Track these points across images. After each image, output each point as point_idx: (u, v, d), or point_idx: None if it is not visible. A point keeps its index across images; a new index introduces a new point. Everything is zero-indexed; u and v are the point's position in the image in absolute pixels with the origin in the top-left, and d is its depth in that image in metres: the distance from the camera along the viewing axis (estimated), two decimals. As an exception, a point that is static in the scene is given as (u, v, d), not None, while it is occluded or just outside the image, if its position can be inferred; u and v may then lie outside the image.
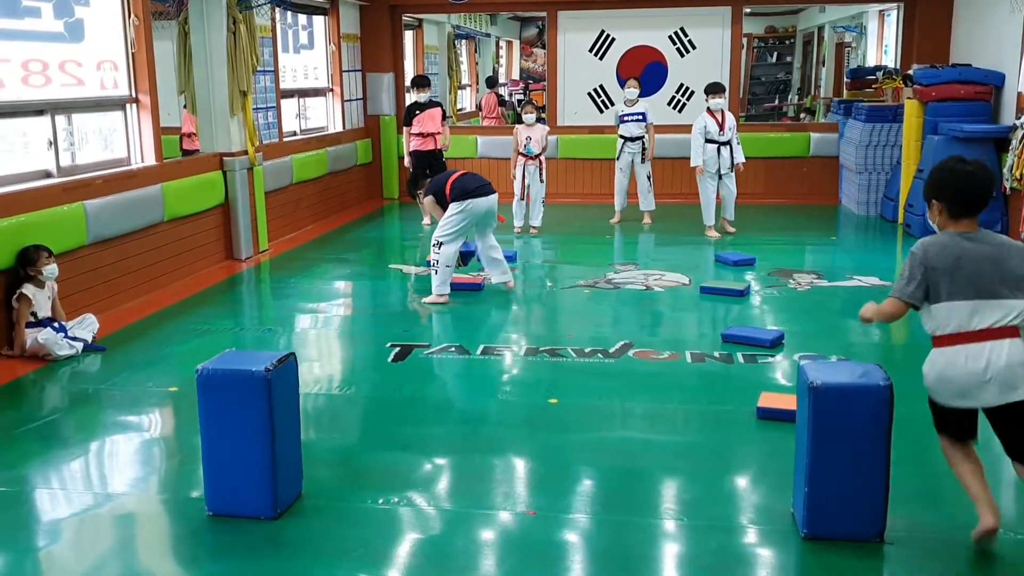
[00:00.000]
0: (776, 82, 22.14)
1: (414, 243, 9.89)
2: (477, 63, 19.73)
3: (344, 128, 11.73)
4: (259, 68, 8.95)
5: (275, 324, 6.65)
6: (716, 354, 5.59)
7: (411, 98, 10.55)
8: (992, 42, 9.69)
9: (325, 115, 11.56)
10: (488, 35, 19.71)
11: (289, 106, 10.50)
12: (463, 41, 18.12)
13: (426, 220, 10.44)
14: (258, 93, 9.28)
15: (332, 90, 11.61)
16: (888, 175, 10.66)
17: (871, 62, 14.98)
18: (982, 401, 3.18)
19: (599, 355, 5.61)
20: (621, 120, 10.16)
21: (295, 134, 10.64)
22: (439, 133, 10.34)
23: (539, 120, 10.00)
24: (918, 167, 9.57)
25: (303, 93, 10.89)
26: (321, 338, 6.28)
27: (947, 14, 11.11)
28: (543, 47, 24.32)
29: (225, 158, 8.51)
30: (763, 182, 11.84)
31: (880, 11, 14.87)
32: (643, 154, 10.10)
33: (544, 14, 12.34)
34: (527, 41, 22.57)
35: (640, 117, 10.10)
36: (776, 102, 20.99)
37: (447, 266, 6.90)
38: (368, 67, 12.39)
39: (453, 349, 5.76)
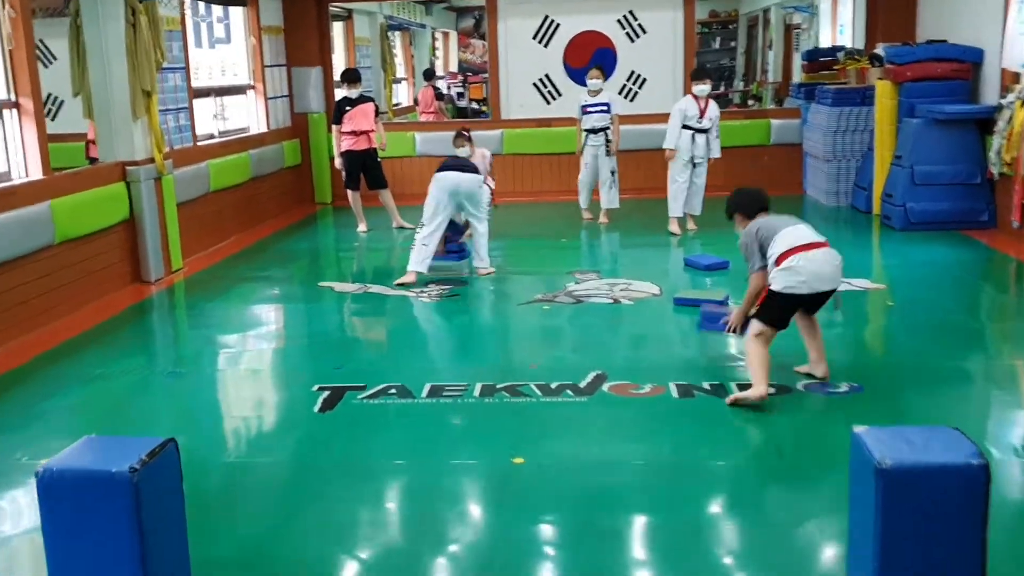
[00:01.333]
0: (720, 69, 21.49)
1: (349, 255, 8.92)
2: (413, 56, 18.74)
3: (268, 128, 10.68)
4: (165, 65, 7.90)
5: (183, 363, 5.63)
6: (706, 385, 4.74)
7: (340, 94, 9.56)
8: (967, 16, 9.02)
9: (247, 114, 10.50)
10: (423, 26, 18.72)
11: (204, 106, 9.43)
12: (397, 33, 17.12)
13: (362, 227, 9.46)
14: (166, 93, 8.22)
15: (254, 87, 10.56)
16: (859, 162, 9.96)
17: (825, 43, 14.35)
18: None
19: (568, 391, 4.73)
20: (583, 111, 9.35)
21: (212, 137, 9.58)
22: (373, 131, 9.38)
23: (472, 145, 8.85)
24: (895, 153, 8.87)
25: (221, 91, 9.83)
26: (235, 381, 5.29)
27: (912, -11, 10.44)
28: (481, 38, 23.41)
29: (128, 168, 7.44)
30: (722, 173, 10.97)
31: (833, -10, 14.23)
32: (607, 147, 9.32)
33: (482, 1, 11.39)
34: (464, 32, 21.61)
35: (604, 108, 9.30)
36: (722, 89, 20.36)
37: (423, 244, 7.07)
38: (293, 61, 11.34)
39: (394, 391, 4.83)
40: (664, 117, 11.00)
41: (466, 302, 6.71)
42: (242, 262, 8.36)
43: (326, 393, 4.81)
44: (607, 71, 11.27)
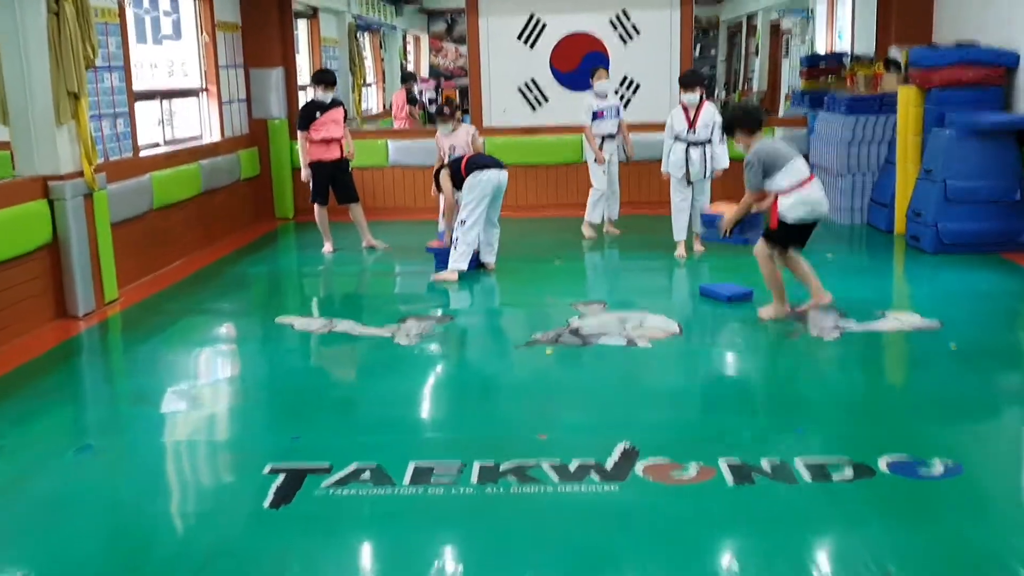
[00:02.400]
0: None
1: (313, 281, 7.84)
2: (383, 59, 17.68)
3: (223, 136, 9.58)
4: (99, 63, 6.81)
5: (101, 432, 4.51)
6: (767, 465, 3.75)
7: (310, 96, 8.46)
8: (996, 16, 8.17)
9: (199, 120, 9.40)
10: (394, 28, 17.68)
11: (148, 111, 8.33)
12: (366, 34, 16.06)
13: (328, 247, 8.40)
14: (100, 95, 7.12)
15: (206, 90, 9.46)
16: (876, 176, 9.07)
17: (821, 48, 13.54)
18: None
19: (592, 475, 3.71)
20: (595, 116, 8.48)
21: (157, 146, 8.47)
22: (343, 139, 8.33)
23: (461, 121, 8.15)
24: (923, 167, 7.97)
25: (168, 94, 8.72)
26: (163, 461, 4.18)
27: (929, -11, 9.60)
28: (454, 42, 22.42)
29: (51, 183, 6.33)
30: (721, 186, 10.10)
31: (830, -8, 13.43)
32: (624, 153, 8.73)
33: (455, 4, 10.39)
34: (436, 36, 20.62)
35: (615, 111, 8.57)
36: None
37: (467, 244, 7.10)
38: (252, 62, 10.25)
39: (368, 474, 3.78)
40: (660, 126, 10.14)
41: (453, 344, 5.67)
42: (189, 291, 7.25)
43: (280, 478, 3.75)
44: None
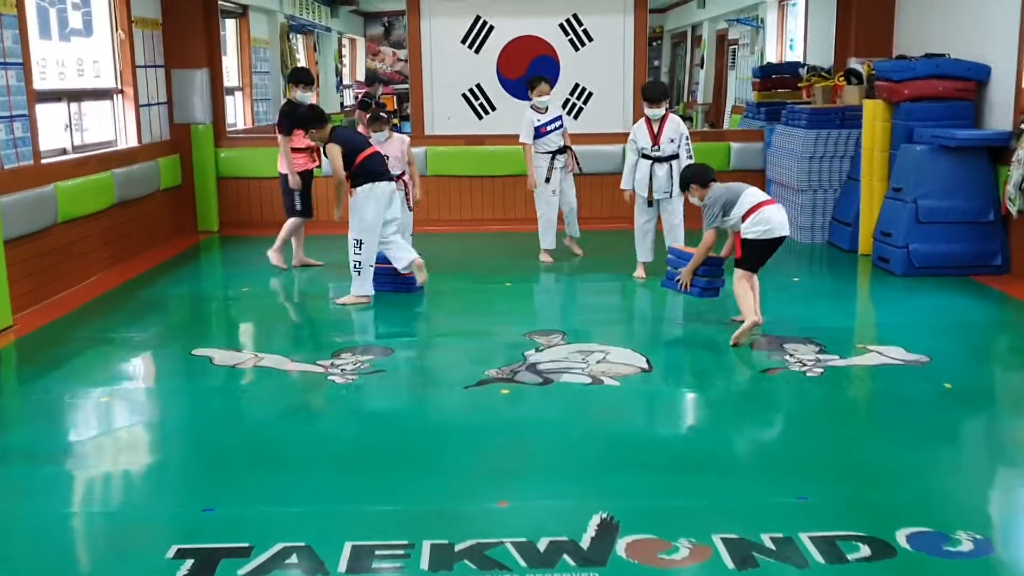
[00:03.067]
0: (643, 89, 20.32)
1: (238, 304, 7.09)
2: (317, 62, 16.88)
3: (140, 142, 8.76)
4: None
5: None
6: (769, 542, 3.18)
7: (294, 96, 7.65)
8: (963, 28, 7.83)
9: (113, 125, 8.57)
10: (329, 30, 16.90)
11: (52, 113, 7.49)
12: (300, 35, 15.27)
13: (275, 259, 7.64)
14: (-6, 95, 6.31)
15: (121, 91, 8.63)
16: (837, 193, 8.67)
17: (771, 59, 13.20)
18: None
19: (566, 558, 3.11)
20: (539, 132, 7.79)
21: (64, 152, 7.64)
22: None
23: (394, 129, 7.53)
24: (892, 185, 7.57)
25: (76, 96, 7.89)
26: (41, 541, 3.43)
27: (889, -2, 9.26)
28: (392, 46, 21.70)
29: (-69, 194, 5.52)
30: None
31: (780, 1, 13.12)
32: (576, 166, 7.97)
33: (393, 6, 9.72)
34: (373, 40, 19.90)
35: (559, 123, 7.87)
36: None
37: (370, 266, 6.56)
38: (174, 62, 9.44)
39: (295, 558, 3.12)
40: (612, 137, 9.66)
41: (394, 383, 5.02)
42: (96, 316, 6.46)
43: (188, 565, 3.07)
44: (551, 84, 9.78)
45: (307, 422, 4.51)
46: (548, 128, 7.78)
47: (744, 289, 5.53)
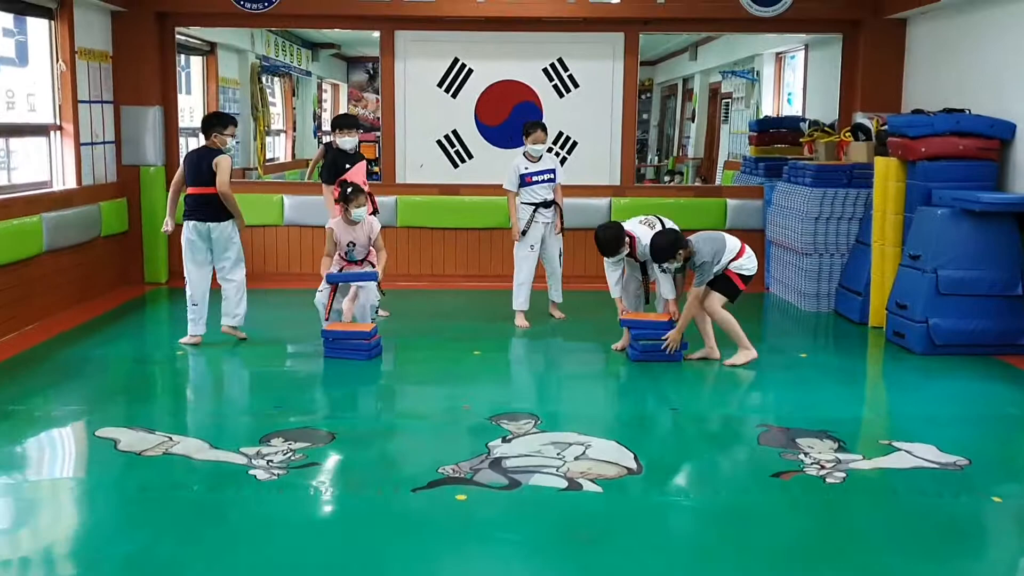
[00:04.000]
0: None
1: (167, 368, 6.21)
2: (295, 108, 16.18)
3: (80, 183, 7.94)
4: None
5: None
6: None
7: (335, 141, 7.03)
8: (982, 82, 7.17)
9: (49, 164, 7.76)
10: (308, 73, 16.25)
11: (-28, 149, 6.71)
12: (275, 78, 14.58)
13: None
14: None
15: (60, 127, 7.84)
16: (845, 258, 7.91)
17: (768, 113, 12.57)
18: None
19: None
20: (524, 181, 7.09)
21: (-15, 193, 6.83)
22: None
23: (373, 213, 6.60)
24: (909, 252, 6.80)
25: (5, 131, 7.09)
26: None
27: (898, 49, 8.62)
28: (376, 92, 21.09)
29: None
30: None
31: (778, 54, 12.52)
32: (558, 224, 7.27)
33: (377, 50, 9.02)
34: (356, 86, 19.28)
35: (551, 175, 7.17)
36: (635, 164, 18.58)
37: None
38: (124, 98, 8.68)
39: None
40: (598, 189, 8.96)
41: (327, 482, 4.14)
42: (3, 382, 5.58)
43: None
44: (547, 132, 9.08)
45: (213, 533, 3.63)
46: (535, 178, 7.10)
47: (729, 317, 5.99)
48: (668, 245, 5.81)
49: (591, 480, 4.09)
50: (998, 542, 3.65)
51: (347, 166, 6.89)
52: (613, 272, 6.24)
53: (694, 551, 3.55)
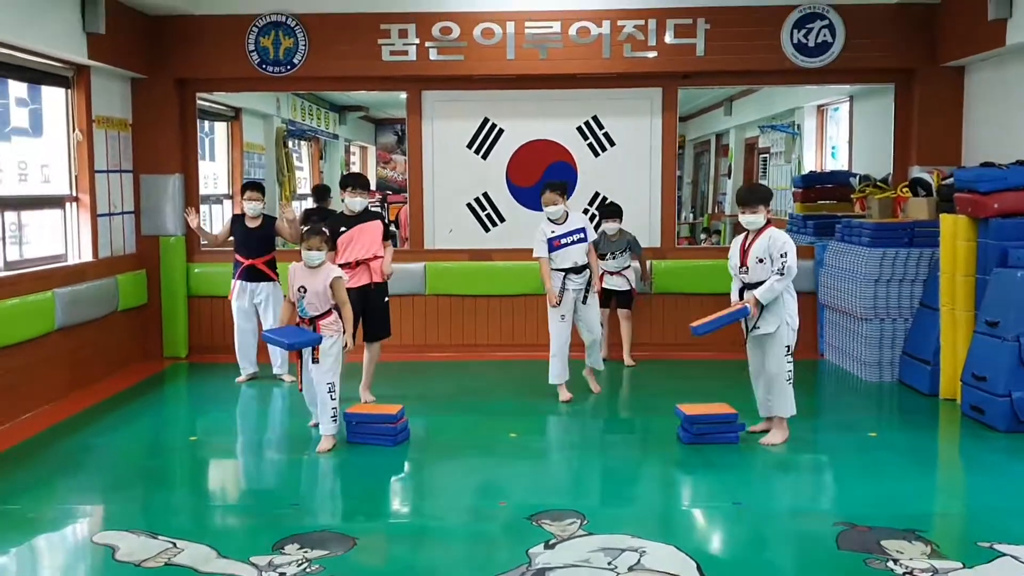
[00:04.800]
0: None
1: (181, 458, 5.73)
2: (322, 172, 15.96)
3: (96, 255, 7.60)
4: None
5: None
6: None
7: (342, 205, 6.60)
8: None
9: (64, 237, 7.43)
10: (336, 136, 16.04)
11: (-20, 224, 6.38)
12: (302, 142, 14.37)
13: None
14: None
15: (76, 199, 7.53)
16: (908, 323, 7.33)
17: (809, 167, 12.08)
18: None
19: None
20: (555, 245, 6.57)
21: (-5, 269, 6.49)
22: (376, 259, 6.44)
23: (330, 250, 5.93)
24: (985, 319, 6.21)
25: (13, 203, 6.76)
26: None
27: (956, 99, 8.12)
28: (404, 155, 20.91)
29: None
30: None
31: (820, 106, 12.07)
32: (587, 291, 6.64)
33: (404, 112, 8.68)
34: (384, 148, 19.09)
35: (581, 235, 6.62)
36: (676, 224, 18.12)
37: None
38: (144, 166, 8.38)
39: None
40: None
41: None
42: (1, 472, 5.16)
43: None
44: (566, 191, 8.63)
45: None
46: (563, 241, 6.57)
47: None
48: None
49: (650, 599, 3.53)
50: None
51: (343, 229, 6.40)
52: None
53: None
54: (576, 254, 6.60)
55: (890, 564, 3.82)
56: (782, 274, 5.38)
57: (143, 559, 3.97)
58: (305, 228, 5.91)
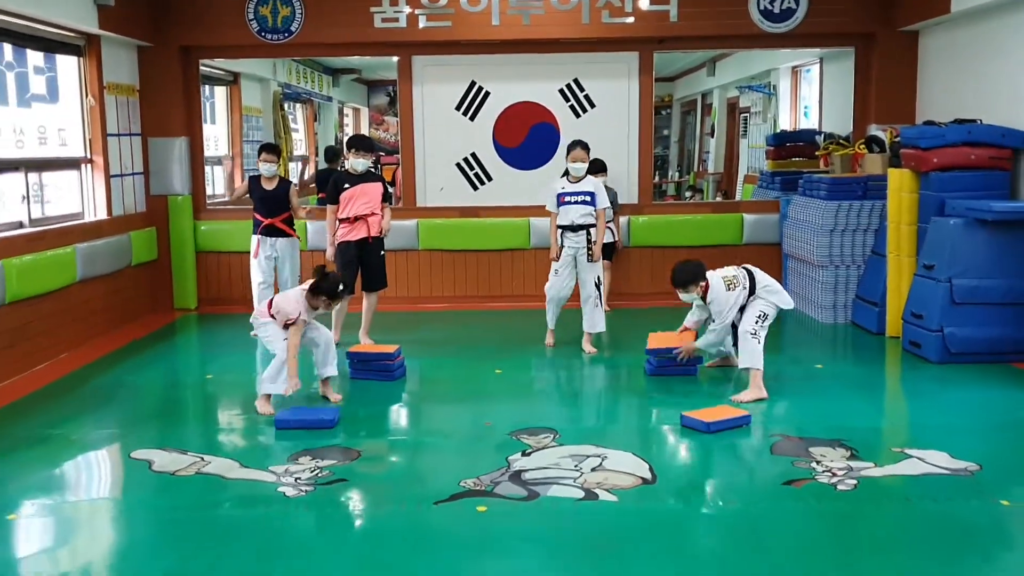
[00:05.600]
0: (653, 158, 19.84)
1: (201, 391, 6.39)
2: (317, 132, 16.48)
3: (110, 214, 8.19)
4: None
5: None
6: None
7: (347, 164, 7.24)
8: (996, 92, 7.24)
9: (81, 196, 8.02)
10: (329, 99, 16.54)
11: (8, 184, 6.95)
12: (297, 104, 14.88)
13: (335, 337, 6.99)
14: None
15: (90, 160, 8.10)
16: (861, 269, 7.99)
17: (785, 126, 12.66)
18: None
19: None
20: (560, 201, 6.99)
21: (21, 225, 7.07)
22: (374, 215, 7.08)
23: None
24: (924, 262, 6.88)
25: (35, 165, 7.34)
26: None
27: (911, 61, 8.71)
28: (396, 116, 21.34)
29: None
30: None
31: (794, 67, 12.61)
32: (590, 251, 6.97)
33: (395, 58, 9.24)
34: (377, 109, 19.55)
35: (588, 198, 6.97)
36: (656, 179, 18.71)
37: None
38: (151, 130, 8.94)
39: None
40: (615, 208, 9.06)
41: (352, 497, 4.29)
42: (39, 407, 5.81)
43: None
44: (548, 152, 9.23)
45: (243, 549, 3.78)
46: (568, 199, 6.95)
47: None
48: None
49: (607, 490, 4.21)
50: (1006, 545, 3.72)
51: (346, 186, 7.05)
52: (693, 315, 6.27)
53: (706, 558, 3.65)
54: (576, 213, 6.92)
55: (813, 465, 4.51)
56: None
57: (176, 469, 4.63)
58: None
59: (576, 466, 4.52)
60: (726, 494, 4.26)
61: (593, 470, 4.47)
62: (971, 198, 6.73)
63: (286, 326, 5.60)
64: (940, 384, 6.05)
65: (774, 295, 5.88)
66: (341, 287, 5.68)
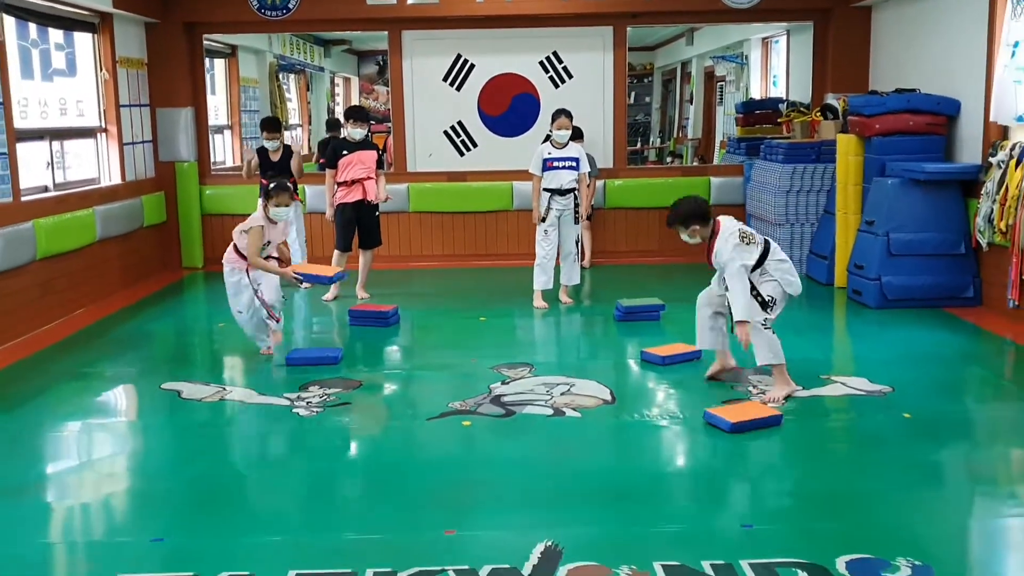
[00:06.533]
0: (635, 124, 20.52)
1: (215, 337, 7.12)
2: (309, 101, 17.08)
3: (124, 179, 8.86)
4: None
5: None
6: (708, 568, 3.20)
7: (345, 133, 7.96)
8: (937, 64, 7.94)
9: (97, 162, 8.68)
10: (321, 69, 17.12)
11: (34, 152, 7.60)
12: (291, 75, 15.48)
13: (329, 294, 7.69)
14: (-27, 133, 6.41)
15: (105, 130, 8.75)
16: (814, 227, 8.74)
17: (756, 95, 13.34)
18: None
19: (506, 586, 3.12)
20: (546, 166, 7.47)
21: (47, 189, 7.74)
22: (369, 179, 7.79)
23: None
24: (865, 218, 7.63)
25: (59, 134, 7.99)
26: None
27: (864, 34, 9.40)
28: (386, 85, 21.92)
29: (-94, 230, 5.59)
30: (657, 238, 9.75)
31: (764, 39, 13.27)
32: (576, 212, 7.50)
33: (386, 44, 9.87)
34: (367, 79, 20.11)
35: (573, 163, 7.46)
36: (638, 145, 19.41)
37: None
38: (159, 101, 9.59)
39: (237, 589, 3.14)
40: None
41: (357, 416, 5.04)
42: (72, 351, 6.52)
43: (128, 595, 3.08)
44: (530, 120, 9.91)
45: (263, 455, 4.53)
46: (555, 164, 7.38)
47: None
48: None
49: (573, 409, 4.97)
50: (895, 444, 4.49)
51: (344, 152, 7.74)
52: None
53: (650, 457, 4.42)
54: (564, 177, 7.34)
55: (750, 389, 5.27)
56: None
57: (202, 396, 5.36)
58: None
59: (548, 391, 5.27)
60: (674, 411, 5.02)
61: (562, 394, 5.22)
62: (910, 161, 7.46)
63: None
64: (876, 327, 6.82)
65: (785, 273, 5.23)
66: (273, 184, 5.95)
